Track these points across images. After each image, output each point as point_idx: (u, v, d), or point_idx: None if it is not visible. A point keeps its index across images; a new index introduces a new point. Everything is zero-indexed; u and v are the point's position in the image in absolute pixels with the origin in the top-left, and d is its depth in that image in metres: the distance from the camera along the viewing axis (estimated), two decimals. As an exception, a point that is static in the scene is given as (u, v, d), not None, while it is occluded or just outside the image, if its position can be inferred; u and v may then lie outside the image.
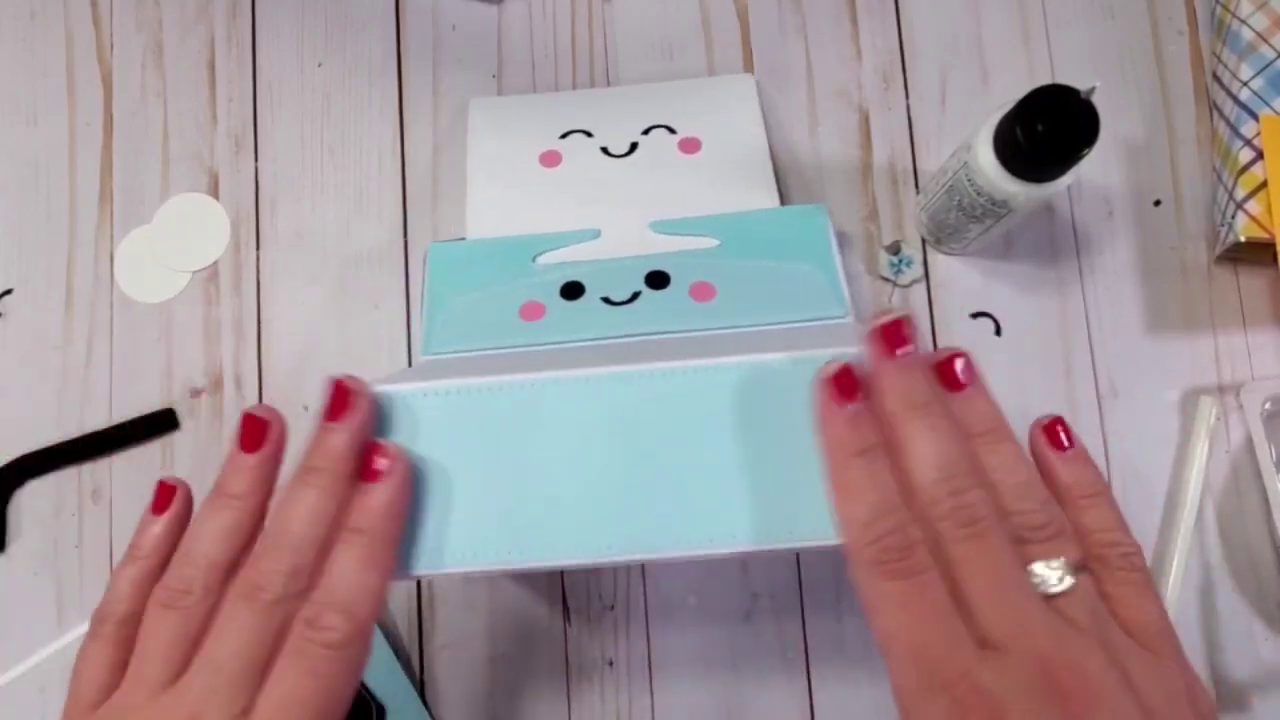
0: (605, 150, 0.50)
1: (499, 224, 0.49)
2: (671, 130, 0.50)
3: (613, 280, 0.46)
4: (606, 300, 0.45)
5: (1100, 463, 0.51)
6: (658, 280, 0.45)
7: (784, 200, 0.54)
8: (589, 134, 0.50)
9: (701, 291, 0.44)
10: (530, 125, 0.51)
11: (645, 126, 0.50)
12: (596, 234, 0.47)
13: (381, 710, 0.48)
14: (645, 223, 0.48)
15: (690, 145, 0.50)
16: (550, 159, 0.50)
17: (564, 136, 0.50)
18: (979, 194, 0.44)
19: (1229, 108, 0.51)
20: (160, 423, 0.53)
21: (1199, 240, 0.53)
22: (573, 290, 0.45)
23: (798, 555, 0.51)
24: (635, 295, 0.45)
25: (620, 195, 0.49)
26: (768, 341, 0.35)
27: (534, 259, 0.47)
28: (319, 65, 0.57)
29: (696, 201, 0.48)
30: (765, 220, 0.47)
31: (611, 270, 0.46)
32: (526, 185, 0.49)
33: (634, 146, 0.50)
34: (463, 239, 0.48)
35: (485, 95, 0.54)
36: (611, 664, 0.50)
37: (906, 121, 0.55)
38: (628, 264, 0.46)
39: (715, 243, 0.46)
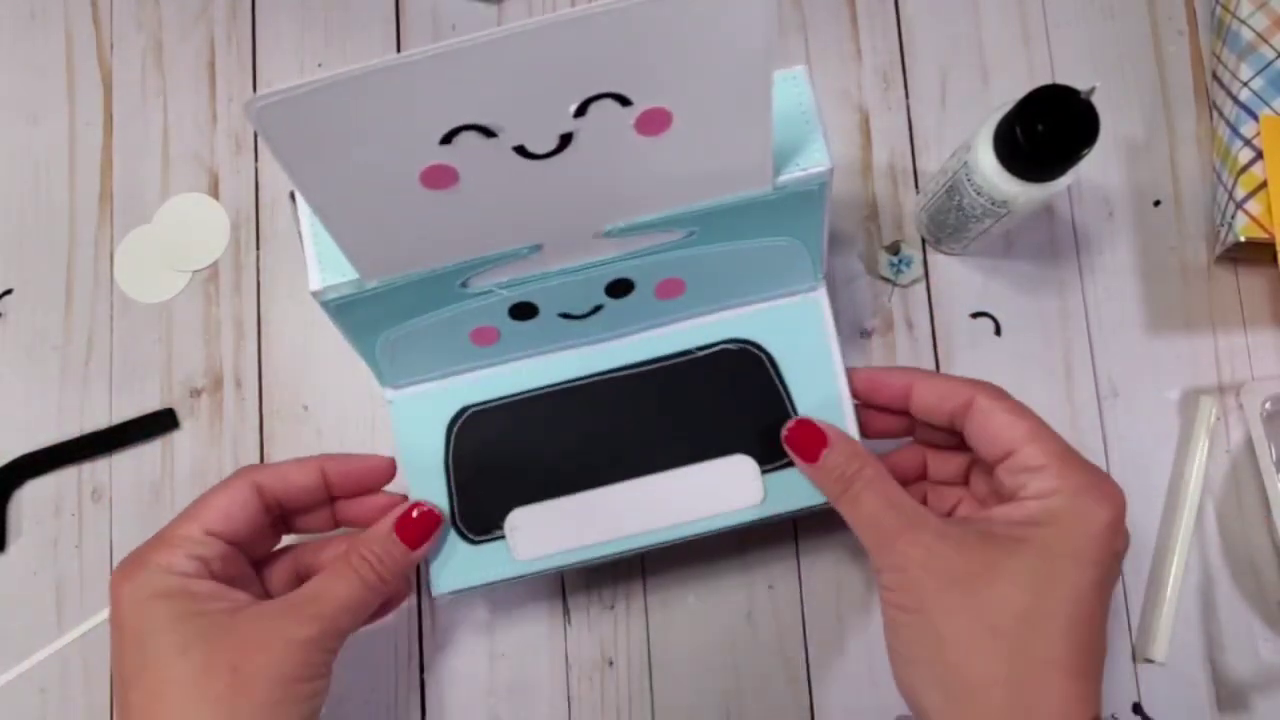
0: (521, 150, 0.32)
1: (382, 265, 0.36)
2: (624, 100, 0.31)
3: (568, 297, 0.40)
4: (565, 315, 0.41)
5: (1100, 462, 0.51)
6: (620, 289, 0.41)
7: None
8: (488, 131, 0.31)
9: (669, 288, 0.41)
10: (384, 131, 0.30)
11: (580, 100, 0.31)
12: (536, 249, 0.37)
13: None
14: (595, 231, 0.37)
15: (654, 121, 0.32)
16: (437, 177, 0.32)
17: (448, 139, 0.31)
18: (979, 194, 0.44)
19: (1229, 108, 0.51)
20: (160, 423, 0.53)
21: (1199, 240, 0.53)
22: (524, 311, 0.41)
23: (798, 553, 0.51)
24: (597, 309, 0.41)
25: (555, 207, 0.35)
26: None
27: (462, 284, 0.38)
28: (319, 65, 0.56)
29: (666, 197, 0.36)
30: (753, 206, 0.38)
31: (565, 286, 0.39)
32: (410, 220, 0.34)
33: (566, 140, 0.32)
34: (356, 279, 0.37)
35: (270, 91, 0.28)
36: (611, 664, 0.50)
37: (906, 121, 0.55)
38: (582, 276, 0.39)
39: (685, 234, 0.38)
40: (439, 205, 0.33)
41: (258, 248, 0.55)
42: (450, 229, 0.35)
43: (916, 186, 0.54)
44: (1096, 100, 0.40)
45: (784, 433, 0.41)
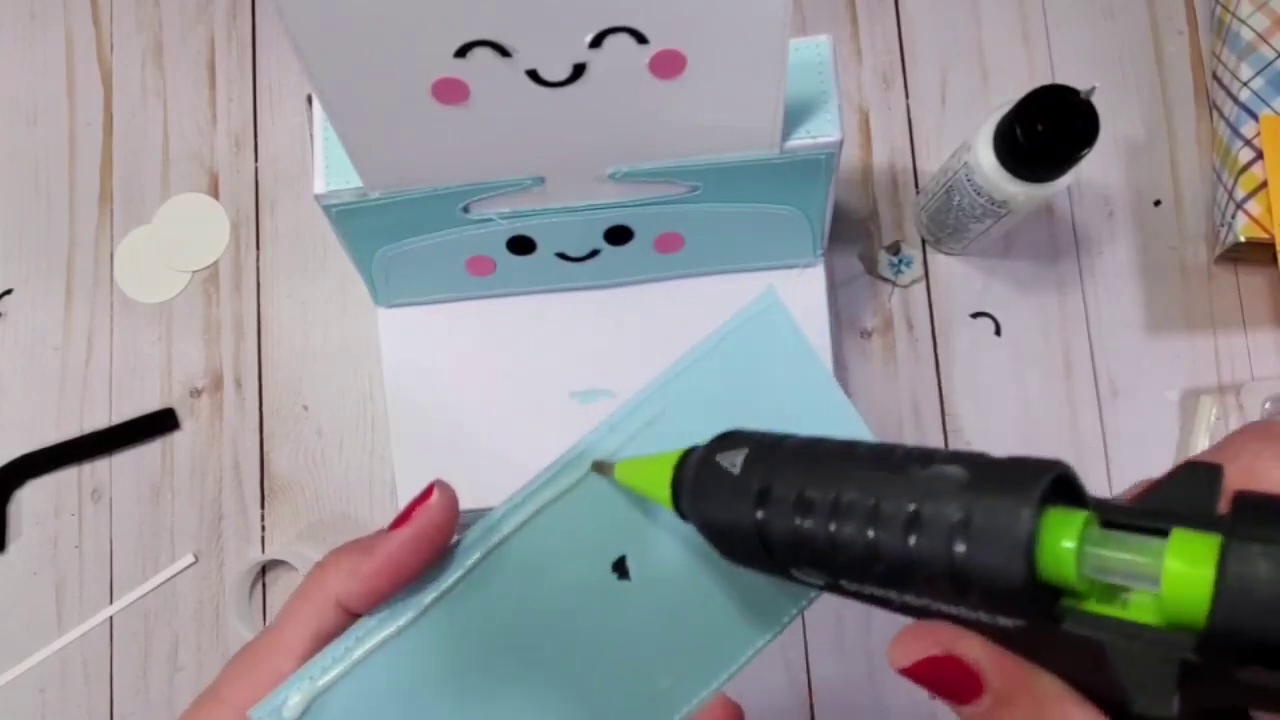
0: (534, 75, 0.32)
1: (387, 176, 0.37)
2: (640, 38, 0.31)
3: (567, 236, 0.40)
4: (562, 256, 0.41)
5: (1100, 463, 0.51)
6: (619, 236, 0.40)
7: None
8: (503, 50, 0.31)
9: (667, 242, 0.41)
10: (401, 34, 0.30)
11: (596, 32, 0.31)
12: (540, 181, 0.37)
13: None
14: (600, 173, 0.37)
15: (668, 64, 0.32)
16: (448, 91, 0.32)
17: (463, 53, 0.31)
18: (979, 194, 0.44)
19: (1229, 108, 0.51)
20: (160, 423, 0.53)
21: (1199, 240, 0.53)
22: (522, 245, 0.40)
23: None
24: (594, 253, 0.41)
25: (562, 140, 0.35)
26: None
27: (464, 208, 0.38)
28: (319, 65, 0.56)
29: (672, 145, 0.36)
30: (758, 168, 0.37)
31: (565, 225, 0.39)
32: (418, 133, 0.35)
33: (579, 70, 0.32)
34: (359, 188, 0.38)
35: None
36: (611, 664, 0.50)
37: (906, 122, 0.55)
38: (583, 217, 0.39)
39: (688, 188, 0.38)
40: (448, 121, 0.34)
41: (258, 248, 0.55)
42: (457, 148, 0.35)
43: (916, 186, 0.54)
44: (1096, 100, 0.40)
45: (893, 652, 0.23)
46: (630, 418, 0.28)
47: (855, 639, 0.50)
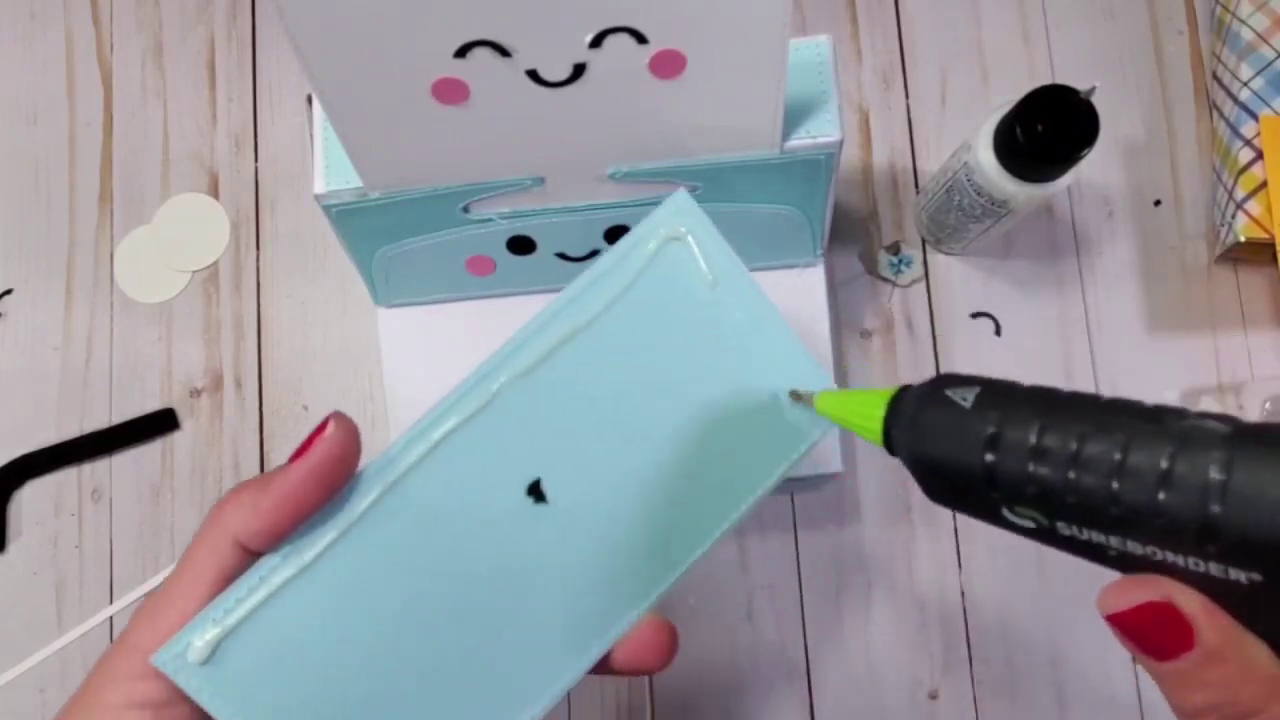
0: (534, 75, 0.32)
1: (387, 177, 0.37)
2: (640, 38, 0.31)
3: (567, 236, 0.40)
4: (562, 256, 0.41)
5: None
6: (619, 236, 0.40)
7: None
8: (503, 50, 0.31)
9: None
10: (401, 34, 0.30)
11: (595, 32, 0.31)
12: (540, 181, 0.37)
13: None
14: (600, 173, 0.37)
15: (668, 64, 0.32)
16: (448, 91, 0.32)
17: (463, 53, 0.31)
18: (979, 194, 0.44)
19: (1229, 108, 0.51)
20: (160, 423, 0.53)
21: (1199, 240, 0.53)
22: (522, 245, 0.41)
23: (797, 553, 0.51)
24: (594, 253, 0.41)
25: (562, 140, 0.35)
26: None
27: (464, 208, 0.39)
28: (319, 65, 0.56)
29: (673, 145, 0.36)
30: (758, 168, 0.37)
31: (565, 225, 0.40)
32: (418, 133, 0.35)
33: (579, 70, 0.32)
34: (360, 188, 0.38)
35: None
36: (611, 664, 0.50)
37: (906, 122, 0.55)
38: (583, 217, 0.39)
39: (688, 189, 0.37)
40: (448, 121, 0.34)
41: (258, 248, 0.55)
42: (457, 148, 0.35)
43: (916, 186, 0.54)
44: (1096, 100, 0.40)
45: (1106, 597, 0.21)
46: (541, 334, 0.27)
47: (855, 639, 0.50)
